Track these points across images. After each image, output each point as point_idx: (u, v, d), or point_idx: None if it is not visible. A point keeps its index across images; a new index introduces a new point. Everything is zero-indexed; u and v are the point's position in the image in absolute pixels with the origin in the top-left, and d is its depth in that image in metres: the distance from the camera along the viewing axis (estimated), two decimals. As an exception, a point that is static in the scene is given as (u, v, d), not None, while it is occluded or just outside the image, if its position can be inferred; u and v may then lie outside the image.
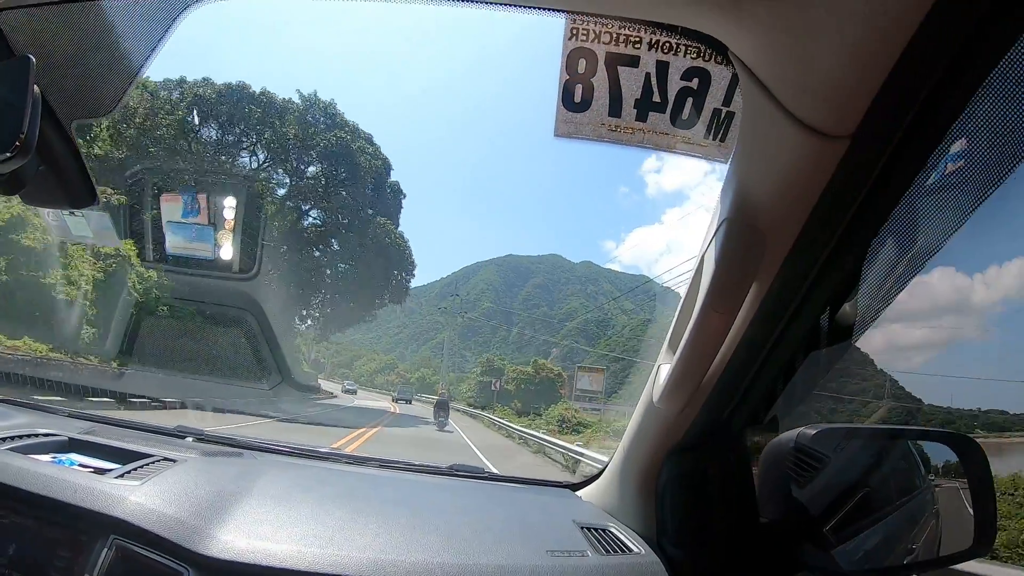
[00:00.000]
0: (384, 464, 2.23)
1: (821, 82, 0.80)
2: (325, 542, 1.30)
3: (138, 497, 1.33)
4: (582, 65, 1.24)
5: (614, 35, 1.21)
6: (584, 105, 1.28)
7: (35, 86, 0.92)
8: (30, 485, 1.35)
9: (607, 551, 1.44)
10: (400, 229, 37.03)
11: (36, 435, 1.72)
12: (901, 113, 0.81)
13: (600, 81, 1.26)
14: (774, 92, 0.85)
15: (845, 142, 0.84)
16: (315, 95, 33.83)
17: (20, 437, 1.66)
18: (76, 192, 1.20)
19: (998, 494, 1.51)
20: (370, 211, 33.67)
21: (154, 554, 1.24)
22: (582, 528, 1.55)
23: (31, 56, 0.92)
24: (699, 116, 1.27)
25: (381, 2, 1.01)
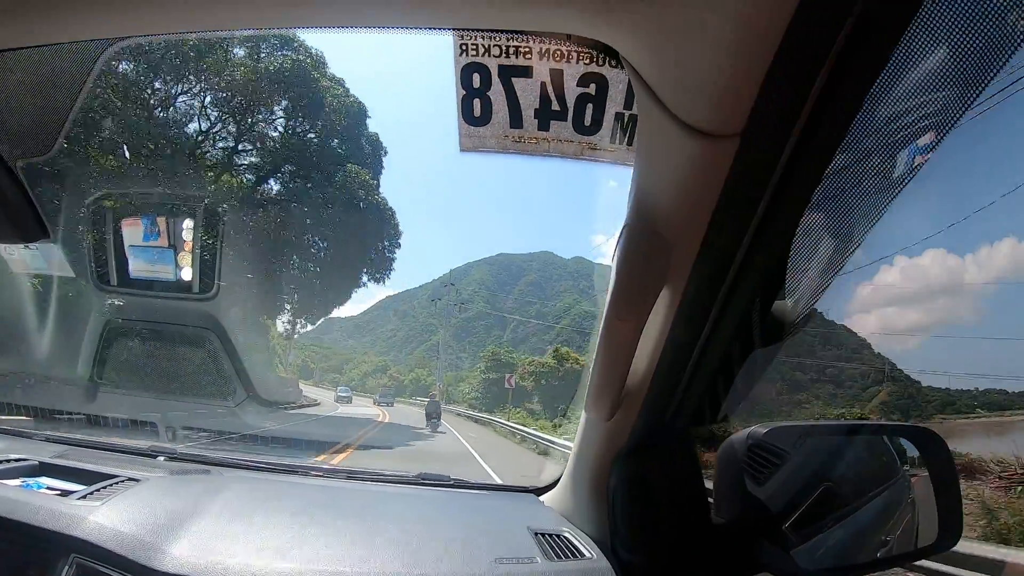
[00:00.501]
0: (351, 475, 2.25)
1: (703, 83, 0.80)
2: (278, 555, 1.32)
3: (97, 517, 1.37)
4: (476, 80, 1.24)
5: (503, 48, 1.21)
6: (484, 119, 1.28)
7: None
8: None
9: (558, 556, 1.44)
10: (382, 192, 27.62)
11: (7, 460, 1.75)
12: (790, 108, 0.80)
13: (497, 94, 1.26)
14: (660, 95, 0.84)
15: (735, 140, 0.83)
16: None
17: None
18: (27, 227, 1.24)
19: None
20: (342, 166, 24.74)
21: (113, 572, 1.27)
22: (536, 534, 1.55)
23: None
24: (602, 121, 1.27)
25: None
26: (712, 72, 0.77)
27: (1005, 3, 0.71)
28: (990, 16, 0.72)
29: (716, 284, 1.05)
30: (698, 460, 1.41)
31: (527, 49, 1.22)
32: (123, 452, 2.24)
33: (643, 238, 1.03)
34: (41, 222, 1.25)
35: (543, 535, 1.55)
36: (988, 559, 5.73)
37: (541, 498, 1.98)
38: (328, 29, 0.96)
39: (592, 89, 1.23)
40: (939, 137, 0.88)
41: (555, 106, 1.26)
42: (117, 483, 1.63)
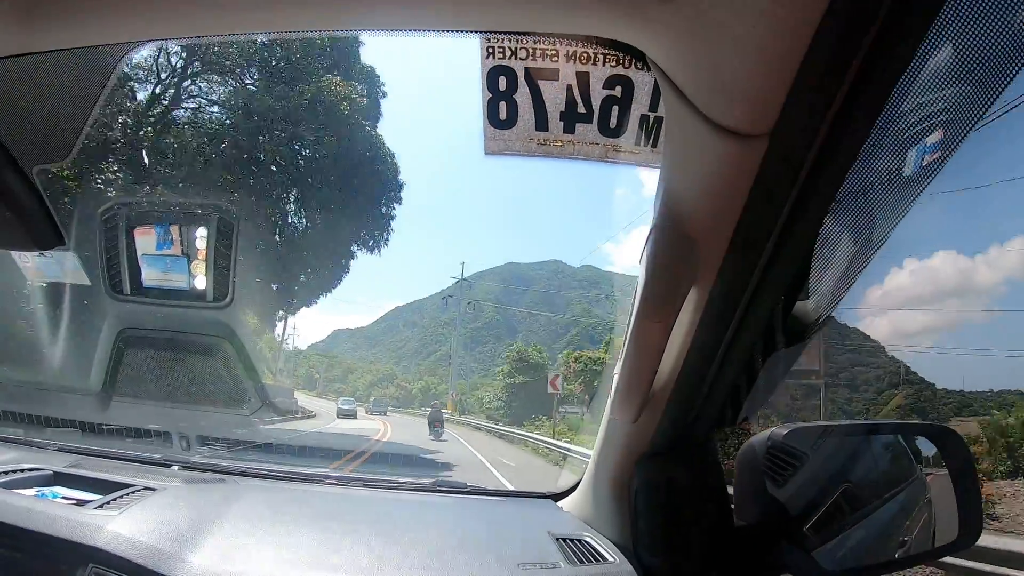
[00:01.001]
0: (367, 483, 2.25)
1: (731, 83, 0.80)
2: (296, 564, 1.33)
3: (115, 526, 1.38)
4: (503, 83, 1.25)
5: (530, 50, 1.22)
6: (510, 122, 1.29)
7: None
8: (12, 518, 1.40)
9: (580, 561, 1.44)
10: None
11: (21, 470, 1.76)
12: (818, 107, 0.80)
13: (523, 97, 1.26)
14: (689, 96, 0.84)
15: (764, 140, 0.83)
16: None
17: (5, 473, 1.71)
18: (42, 235, 1.24)
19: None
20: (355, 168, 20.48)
21: None
22: (557, 539, 1.56)
23: None
24: (627, 123, 1.28)
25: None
26: (741, 72, 0.78)
27: None
28: (1011, 13, 0.72)
29: (743, 284, 1.05)
30: (719, 463, 1.41)
31: (553, 52, 1.23)
32: (137, 461, 2.25)
33: (671, 239, 1.03)
34: (56, 229, 1.25)
35: (565, 540, 1.55)
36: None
37: (560, 503, 1.98)
38: (353, 32, 0.96)
39: (618, 91, 1.24)
40: (960, 137, 0.88)
41: (581, 108, 1.27)
42: (133, 492, 1.64)
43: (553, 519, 1.82)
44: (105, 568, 1.30)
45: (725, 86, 0.81)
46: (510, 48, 1.23)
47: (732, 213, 0.94)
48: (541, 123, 1.29)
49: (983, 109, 0.84)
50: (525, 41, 1.23)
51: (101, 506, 1.52)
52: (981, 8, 0.72)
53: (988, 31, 0.74)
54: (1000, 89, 0.81)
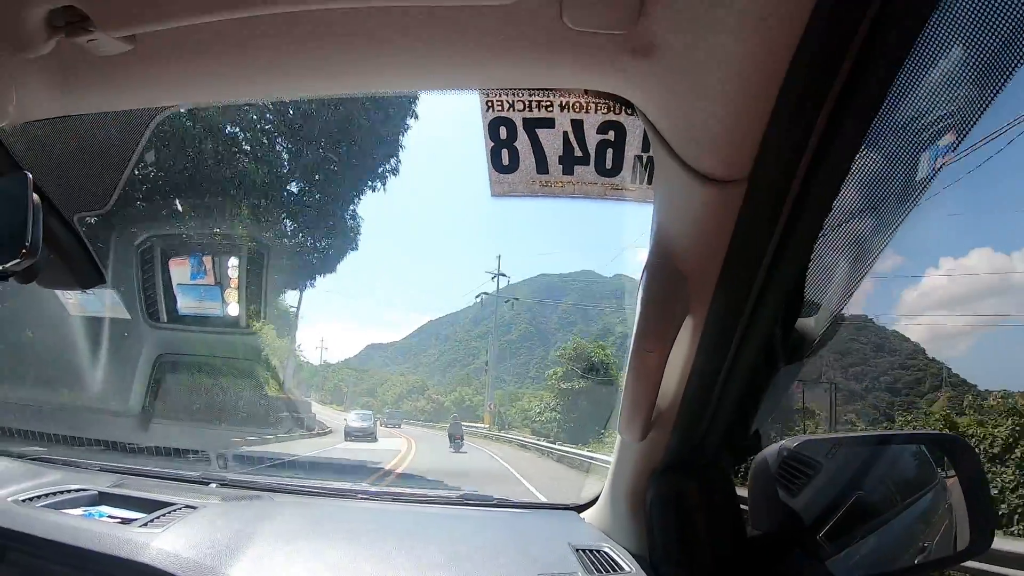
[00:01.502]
0: (396, 498, 2.31)
1: (708, 131, 0.86)
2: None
3: (160, 543, 1.45)
4: (503, 132, 1.31)
5: (526, 103, 1.28)
6: (513, 167, 1.35)
7: (35, 195, 1.01)
8: (61, 537, 1.48)
9: (599, 571, 1.48)
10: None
11: (68, 491, 1.83)
12: (793, 152, 0.85)
13: (523, 144, 1.32)
14: (671, 144, 0.90)
15: (742, 185, 0.88)
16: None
17: (53, 494, 1.78)
18: (85, 275, 1.33)
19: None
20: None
21: None
22: (577, 550, 1.59)
23: (28, 173, 1.03)
24: (622, 164, 1.33)
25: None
26: (715, 121, 0.83)
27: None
28: (977, 44, 0.75)
29: (736, 313, 1.10)
30: (731, 475, 1.44)
31: (548, 103, 1.29)
32: (177, 480, 2.32)
33: (663, 275, 1.09)
34: (97, 269, 1.35)
35: (584, 551, 1.59)
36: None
37: (582, 515, 2.01)
38: (367, 92, 1.03)
39: (611, 135, 1.30)
40: (938, 165, 0.93)
41: (577, 152, 1.33)
42: (175, 511, 1.70)
43: (574, 530, 1.85)
44: None
45: (702, 135, 0.87)
46: (507, 101, 1.29)
47: (718, 251, 0.99)
48: (542, 167, 1.35)
49: (965, 134, 0.88)
50: (521, 95, 1.29)
51: (145, 524, 1.59)
52: (942, 50, 0.76)
53: (953, 73, 0.80)
54: (980, 114, 0.85)
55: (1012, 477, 11.09)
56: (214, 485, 2.22)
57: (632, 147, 1.30)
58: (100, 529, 1.54)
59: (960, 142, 0.90)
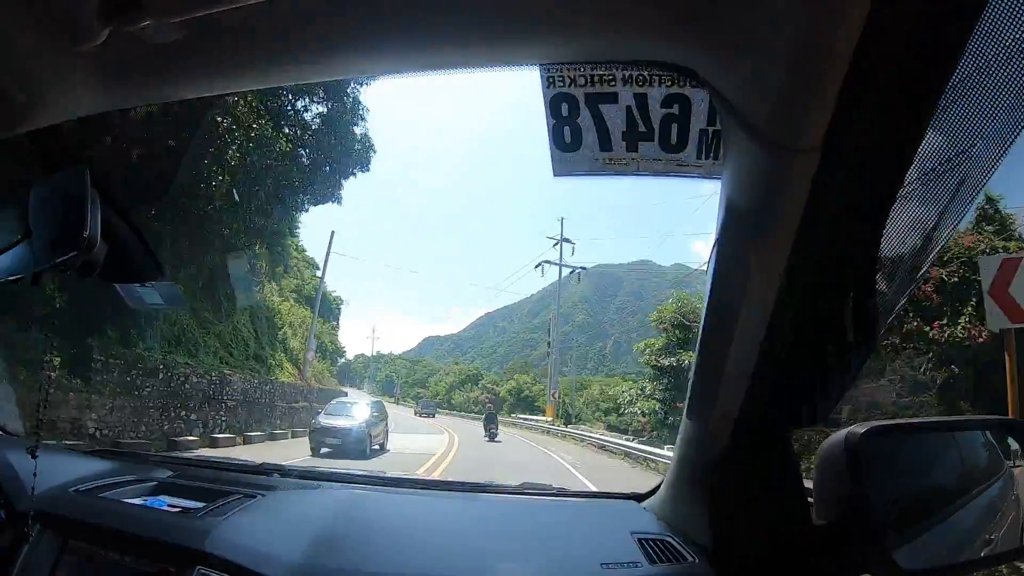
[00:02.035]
0: (455, 487, 2.32)
1: (779, 98, 0.83)
2: (387, 564, 1.40)
3: (221, 531, 1.48)
4: (565, 108, 1.30)
5: (588, 77, 1.27)
6: (575, 144, 1.34)
7: (92, 188, 1.02)
8: (123, 525, 1.53)
9: (661, 561, 1.47)
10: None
11: (128, 481, 1.88)
12: (867, 117, 0.82)
13: (585, 120, 1.31)
14: (741, 112, 0.88)
15: (815, 153, 0.85)
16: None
17: (114, 484, 1.83)
18: (143, 268, 1.35)
19: None
20: None
21: None
22: (639, 539, 1.58)
23: (85, 165, 1.04)
24: (687, 139, 1.30)
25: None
26: (787, 88, 0.80)
27: None
28: None
29: (807, 290, 1.07)
30: (797, 462, 1.41)
31: (611, 77, 1.27)
32: (235, 470, 2.36)
33: (733, 250, 1.07)
34: (155, 261, 1.36)
35: (646, 540, 1.58)
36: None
37: (643, 504, 1.99)
38: (425, 73, 0.99)
39: (675, 109, 1.28)
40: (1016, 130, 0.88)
41: (641, 127, 1.31)
42: (234, 499, 1.73)
43: (636, 519, 1.83)
44: (212, 570, 1.39)
45: (773, 102, 0.84)
46: (569, 77, 1.28)
47: (791, 223, 0.96)
48: (605, 144, 1.33)
49: None
50: (583, 69, 1.28)
51: (205, 513, 1.62)
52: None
53: None
54: None
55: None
56: (274, 475, 2.24)
57: (698, 120, 1.28)
58: (161, 518, 1.58)
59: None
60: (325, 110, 15.69)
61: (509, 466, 15.14)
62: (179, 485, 1.92)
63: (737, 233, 1.05)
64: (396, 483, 2.35)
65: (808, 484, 1.39)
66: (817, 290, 1.07)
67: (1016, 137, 0.89)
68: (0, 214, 1.13)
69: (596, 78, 1.29)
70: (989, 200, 12.86)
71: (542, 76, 1.29)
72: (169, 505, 1.76)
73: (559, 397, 36.35)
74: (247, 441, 15.32)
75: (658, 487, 1.95)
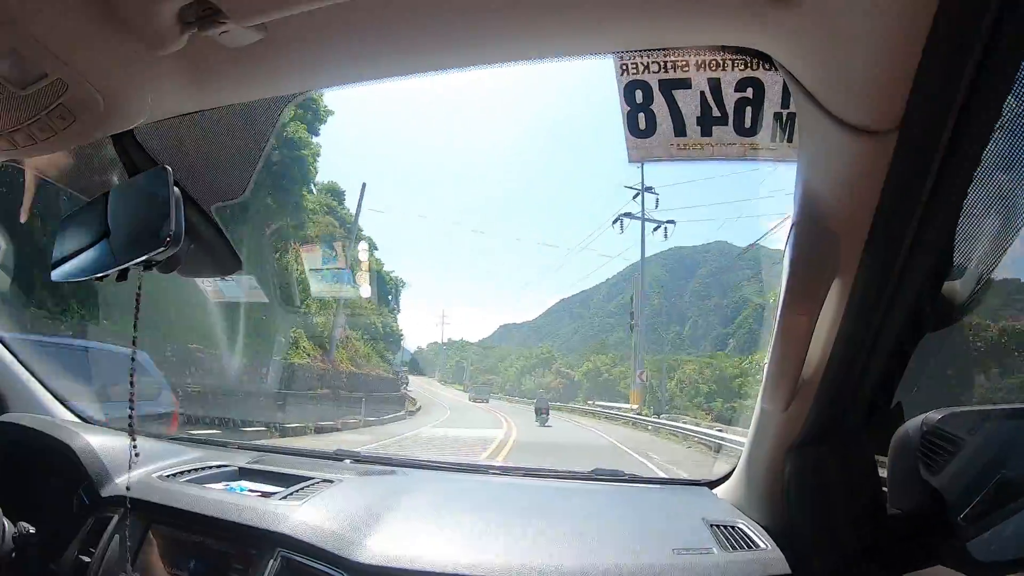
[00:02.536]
0: (527, 472, 2.33)
1: (855, 80, 0.83)
2: (464, 549, 1.44)
3: (300, 515, 1.54)
4: (639, 96, 1.31)
5: (661, 64, 1.28)
6: (650, 131, 1.35)
7: (175, 187, 1.08)
8: (206, 510, 1.60)
9: (733, 547, 1.47)
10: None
11: (210, 467, 1.98)
12: (944, 96, 0.81)
13: (659, 107, 1.32)
14: (816, 95, 0.88)
15: (893, 135, 0.85)
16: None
17: (197, 470, 1.93)
18: (223, 262, 1.41)
19: None
20: None
21: (315, 563, 1.43)
22: (711, 525, 1.59)
23: (167, 166, 1.10)
24: (761, 122, 1.30)
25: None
26: (863, 70, 0.80)
27: None
28: None
29: (885, 273, 1.06)
30: (872, 450, 1.39)
31: (684, 62, 1.28)
32: (312, 456, 2.45)
33: (812, 233, 1.07)
34: (235, 256, 1.41)
35: (718, 527, 1.58)
36: None
37: (714, 490, 1.99)
38: (502, 64, 1.01)
39: (749, 93, 1.28)
40: None
41: (715, 112, 1.32)
42: (312, 484, 1.80)
43: (707, 506, 1.83)
44: (292, 552, 1.46)
45: (850, 84, 0.84)
46: (642, 64, 1.30)
47: (869, 206, 0.96)
48: (679, 129, 1.35)
49: None
50: (656, 56, 1.29)
51: (285, 497, 1.68)
52: None
53: None
54: None
55: None
56: (348, 461, 2.32)
57: (772, 104, 1.28)
58: (242, 502, 1.64)
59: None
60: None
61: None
62: (259, 471, 2.00)
63: (815, 216, 1.05)
64: (470, 468, 2.41)
65: (883, 473, 1.38)
66: (896, 273, 1.06)
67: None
68: (81, 215, 1.21)
69: (669, 64, 1.30)
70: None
71: (615, 64, 1.31)
72: (250, 490, 1.84)
73: (647, 379, 31.55)
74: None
75: (730, 473, 1.94)
